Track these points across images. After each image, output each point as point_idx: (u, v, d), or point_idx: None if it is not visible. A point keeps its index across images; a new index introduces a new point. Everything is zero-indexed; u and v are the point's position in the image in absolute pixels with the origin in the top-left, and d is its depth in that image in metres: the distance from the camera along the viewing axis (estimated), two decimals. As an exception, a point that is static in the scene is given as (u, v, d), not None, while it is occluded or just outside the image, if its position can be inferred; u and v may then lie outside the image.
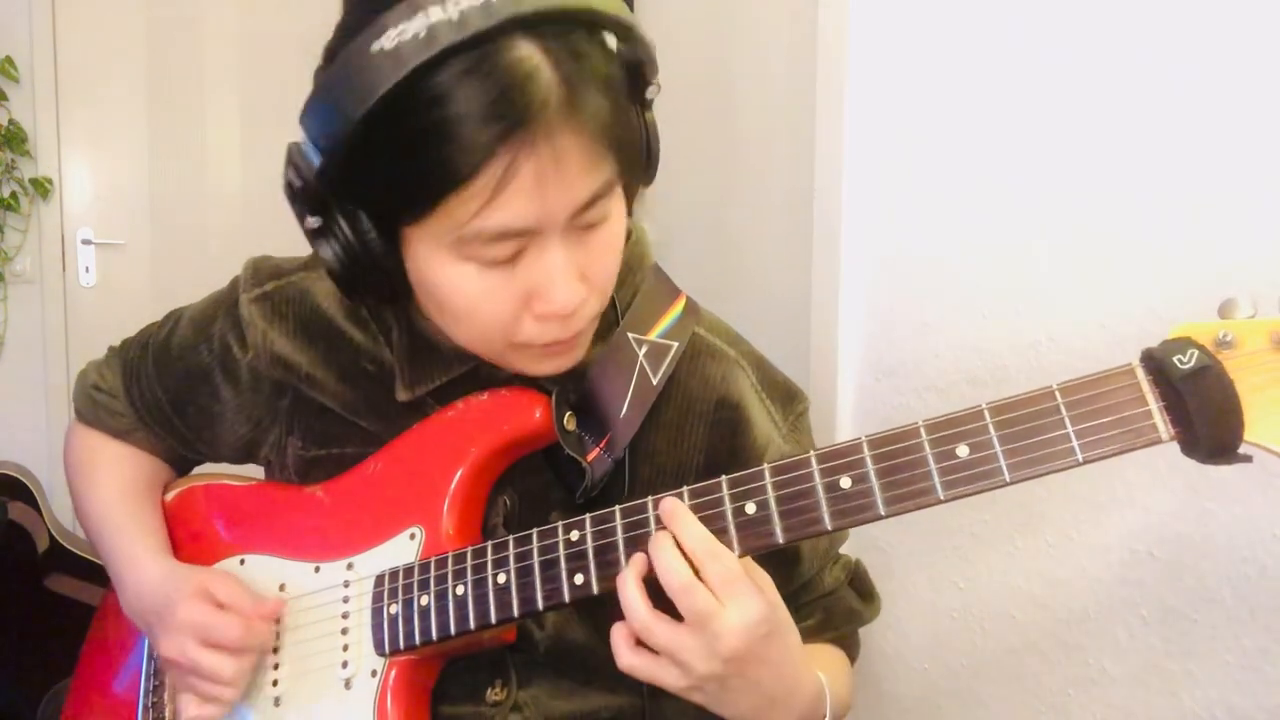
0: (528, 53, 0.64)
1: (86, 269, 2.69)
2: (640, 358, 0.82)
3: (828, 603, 0.89)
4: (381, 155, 0.66)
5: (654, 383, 0.81)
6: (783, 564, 0.82)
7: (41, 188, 2.57)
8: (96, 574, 1.96)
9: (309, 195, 0.69)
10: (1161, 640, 1.15)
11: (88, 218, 2.68)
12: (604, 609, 0.71)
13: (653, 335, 0.83)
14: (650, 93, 0.74)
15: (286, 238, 1.03)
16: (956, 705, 1.42)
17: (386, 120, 0.64)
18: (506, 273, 0.70)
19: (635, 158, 0.74)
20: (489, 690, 0.83)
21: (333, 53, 0.69)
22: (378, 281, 0.73)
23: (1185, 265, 1.11)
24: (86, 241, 2.68)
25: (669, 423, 0.83)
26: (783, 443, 0.85)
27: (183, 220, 2.78)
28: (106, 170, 2.70)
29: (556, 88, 0.64)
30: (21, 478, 2.02)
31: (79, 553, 1.98)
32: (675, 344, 0.83)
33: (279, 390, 0.89)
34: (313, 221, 0.71)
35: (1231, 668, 1.09)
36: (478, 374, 0.82)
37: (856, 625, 0.91)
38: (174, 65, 2.76)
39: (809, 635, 0.84)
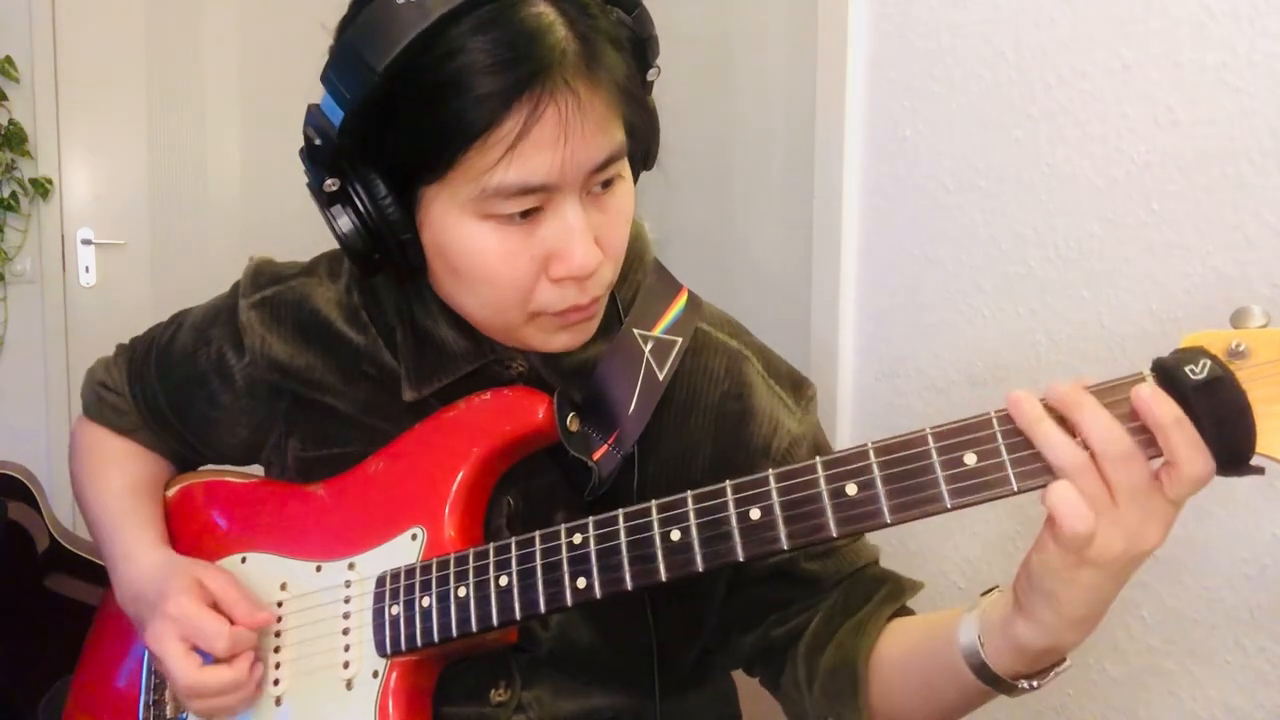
0: (544, 9, 0.67)
1: (86, 269, 2.69)
2: (646, 353, 0.82)
3: (879, 571, 0.85)
4: (403, 109, 0.67)
5: (660, 378, 0.81)
6: None
7: (41, 188, 2.56)
8: (96, 574, 1.95)
9: (328, 155, 0.70)
10: (1161, 640, 1.15)
11: (88, 218, 2.68)
12: (609, 609, 0.71)
13: (657, 331, 0.83)
14: (651, 74, 0.76)
15: (286, 238, 1.04)
16: (956, 705, 1.42)
17: (409, 72, 0.66)
18: (524, 234, 0.70)
19: (643, 130, 0.75)
20: (492, 691, 0.83)
21: (353, 15, 0.70)
22: (391, 251, 0.73)
23: (1184, 265, 1.11)
24: (86, 241, 2.68)
25: (675, 418, 0.83)
26: (796, 426, 0.85)
27: (183, 220, 2.77)
28: (106, 170, 2.70)
29: (573, 43, 0.66)
30: (21, 478, 2.01)
31: (79, 553, 1.98)
32: (679, 339, 0.83)
33: (276, 394, 0.89)
34: (331, 184, 0.71)
35: (1231, 668, 1.09)
36: (484, 373, 0.82)
37: (911, 596, 0.86)
38: (174, 65, 2.75)
39: (886, 604, 0.81)
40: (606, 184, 0.72)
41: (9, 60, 2.52)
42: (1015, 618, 0.65)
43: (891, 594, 0.82)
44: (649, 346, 0.82)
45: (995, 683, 0.68)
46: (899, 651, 0.77)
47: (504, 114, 0.65)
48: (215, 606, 0.81)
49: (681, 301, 0.87)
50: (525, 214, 0.70)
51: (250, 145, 2.82)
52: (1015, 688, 0.68)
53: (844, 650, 0.79)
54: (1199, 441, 0.57)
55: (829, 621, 0.82)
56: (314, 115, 0.70)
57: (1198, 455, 0.57)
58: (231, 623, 0.80)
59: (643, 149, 0.78)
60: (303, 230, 1.03)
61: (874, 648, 0.78)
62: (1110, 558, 0.59)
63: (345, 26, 0.71)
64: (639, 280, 0.85)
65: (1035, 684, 0.68)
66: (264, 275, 0.91)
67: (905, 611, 0.83)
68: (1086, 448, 0.58)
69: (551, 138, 0.66)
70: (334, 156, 0.70)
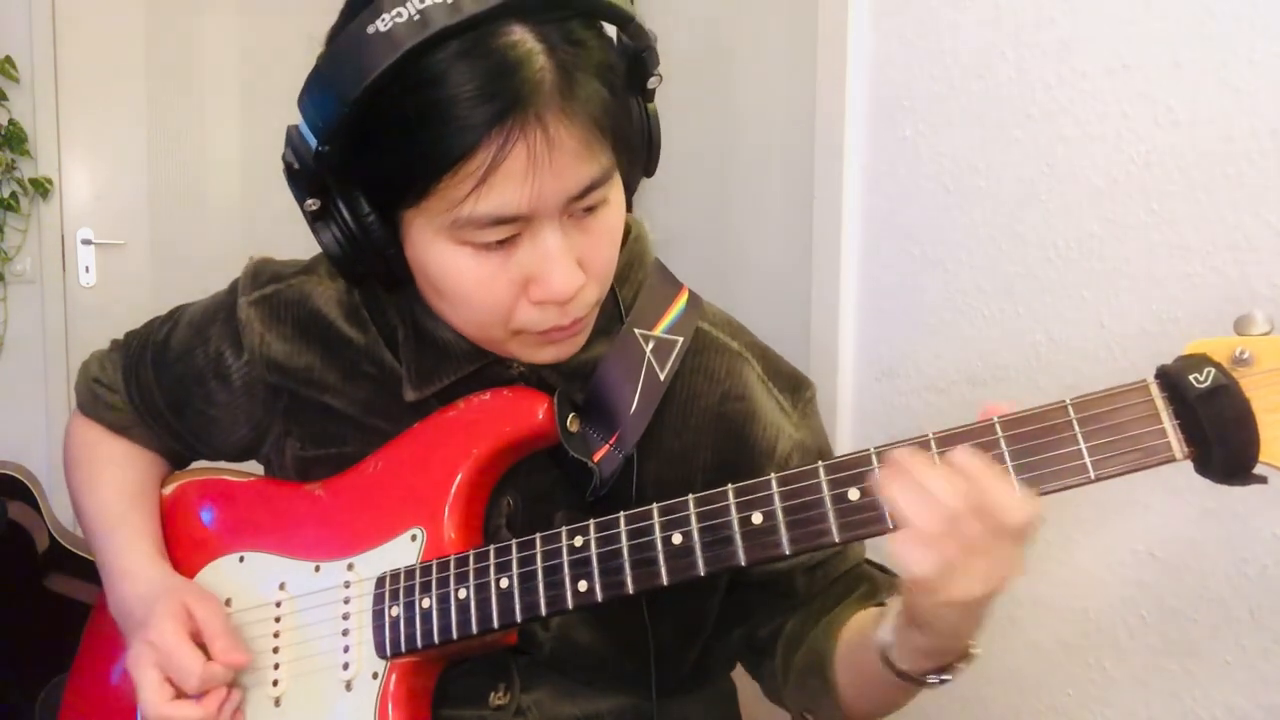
0: (521, 37, 0.65)
1: (86, 269, 2.69)
2: (647, 353, 0.81)
3: (863, 571, 0.86)
4: (376, 138, 0.67)
5: (661, 378, 0.81)
6: None
7: (41, 188, 2.57)
8: (96, 574, 1.95)
9: (307, 177, 0.70)
10: (1161, 640, 1.15)
11: (88, 218, 2.68)
12: (610, 610, 0.71)
13: (658, 331, 0.83)
14: (651, 83, 0.75)
15: (286, 238, 1.03)
16: (957, 705, 1.42)
17: (380, 102, 0.65)
18: (502, 258, 0.70)
19: (634, 147, 0.75)
20: (491, 694, 0.83)
21: (333, 38, 0.70)
22: (377, 266, 0.74)
23: (1184, 265, 1.11)
24: (86, 241, 2.68)
25: (676, 419, 0.83)
26: (794, 431, 0.85)
27: (183, 220, 2.78)
28: (106, 170, 2.70)
29: (550, 73, 0.65)
30: (21, 478, 2.01)
31: (79, 553, 1.97)
32: (680, 339, 0.83)
33: (275, 393, 0.89)
34: (311, 204, 0.71)
35: (1231, 668, 1.09)
36: (485, 374, 0.82)
37: (888, 594, 0.87)
38: (174, 65, 2.76)
39: (861, 602, 0.83)
40: (590, 208, 0.71)
41: (9, 60, 2.52)
42: (909, 627, 0.67)
43: (866, 594, 0.84)
44: (650, 346, 0.82)
45: (908, 679, 0.70)
46: (843, 648, 0.79)
47: (475, 147, 0.64)
48: (197, 636, 0.80)
49: (682, 301, 0.86)
50: (502, 241, 0.69)
51: (250, 145, 2.82)
52: (925, 683, 0.70)
53: (815, 652, 0.81)
54: (1006, 492, 0.58)
55: (804, 622, 0.84)
56: (292, 138, 0.70)
57: (1008, 504, 0.58)
58: (208, 657, 0.79)
59: (638, 162, 0.77)
60: (302, 230, 1.03)
61: (838, 647, 0.80)
62: (972, 599, 0.62)
63: (331, 39, 0.70)
64: (640, 280, 0.85)
65: (948, 677, 0.70)
66: (264, 274, 0.91)
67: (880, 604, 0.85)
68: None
69: (521, 171, 0.65)
70: (313, 178, 0.70)
